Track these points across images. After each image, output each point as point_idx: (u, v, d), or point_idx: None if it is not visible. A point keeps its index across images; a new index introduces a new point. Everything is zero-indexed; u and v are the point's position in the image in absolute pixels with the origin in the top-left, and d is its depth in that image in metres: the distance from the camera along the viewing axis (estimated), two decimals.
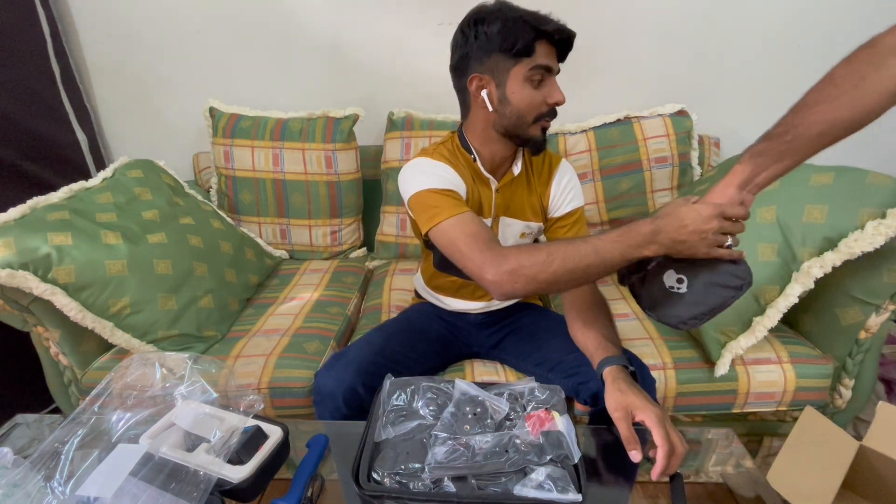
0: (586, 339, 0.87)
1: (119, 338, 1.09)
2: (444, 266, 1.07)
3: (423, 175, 0.89)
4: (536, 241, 1.13)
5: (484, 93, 0.88)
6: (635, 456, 0.65)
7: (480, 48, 0.86)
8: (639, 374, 0.85)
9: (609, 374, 0.77)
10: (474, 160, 0.96)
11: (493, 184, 0.98)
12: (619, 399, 0.71)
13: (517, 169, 0.98)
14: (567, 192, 1.02)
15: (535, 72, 0.85)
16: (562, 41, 0.87)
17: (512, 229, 1.03)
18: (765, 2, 1.61)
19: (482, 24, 0.86)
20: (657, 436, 0.65)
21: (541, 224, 1.05)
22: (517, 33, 0.83)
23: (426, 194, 0.86)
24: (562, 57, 0.89)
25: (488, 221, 1.01)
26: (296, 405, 1.08)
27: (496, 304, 1.12)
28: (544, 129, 0.91)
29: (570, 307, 0.94)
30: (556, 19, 0.86)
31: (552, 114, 0.90)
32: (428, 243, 1.02)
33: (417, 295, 1.23)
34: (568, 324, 0.94)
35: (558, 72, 0.90)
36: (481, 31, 0.86)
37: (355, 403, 0.85)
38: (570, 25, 0.87)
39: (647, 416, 0.67)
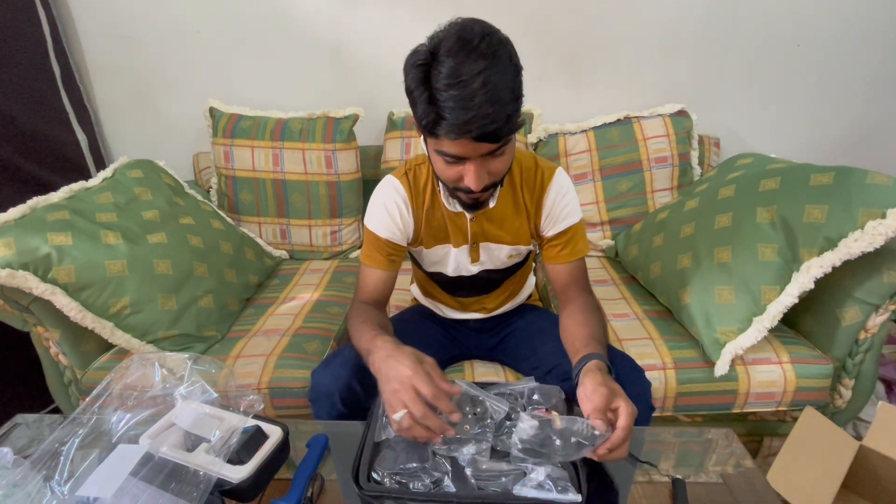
0: (575, 337, 0.83)
1: (119, 338, 1.09)
2: (441, 284, 1.07)
3: (374, 214, 0.94)
4: (533, 257, 1.11)
5: (422, 138, 0.78)
6: (600, 426, 0.62)
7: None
8: (631, 378, 0.84)
9: (595, 365, 0.73)
10: (440, 192, 0.91)
11: (468, 214, 0.91)
12: (605, 382, 0.68)
13: (493, 202, 0.87)
14: (559, 210, 0.92)
15: (440, 155, 0.73)
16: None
17: (497, 253, 0.98)
18: (764, 2, 1.61)
19: (407, 72, 0.70)
20: (623, 422, 0.62)
21: (530, 247, 1.00)
22: (423, 109, 0.68)
23: (368, 232, 0.95)
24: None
25: (465, 248, 0.96)
26: (296, 405, 1.08)
27: (494, 311, 1.12)
28: (471, 199, 0.81)
29: (563, 307, 0.94)
30: (480, 104, 0.63)
31: (470, 191, 0.76)
32: (410, 257, 1.03)
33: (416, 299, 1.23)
34: (560, 322, 0.91)
35: (485, 153, 0.71)
36: (406, 79, 0.70)
37: (352, 401, 0.85)
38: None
39: (624, 407, 0.63)
